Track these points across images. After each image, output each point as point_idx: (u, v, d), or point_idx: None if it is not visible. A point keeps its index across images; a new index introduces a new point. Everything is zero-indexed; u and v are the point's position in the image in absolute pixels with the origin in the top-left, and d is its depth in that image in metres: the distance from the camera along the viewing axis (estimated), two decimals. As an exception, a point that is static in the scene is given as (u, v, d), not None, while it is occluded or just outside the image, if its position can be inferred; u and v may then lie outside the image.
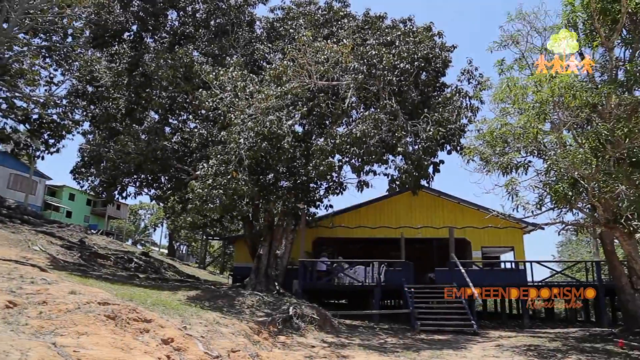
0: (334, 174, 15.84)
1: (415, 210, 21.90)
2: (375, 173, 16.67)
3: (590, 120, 11.53)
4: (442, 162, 15.79)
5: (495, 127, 11.73)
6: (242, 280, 19.14)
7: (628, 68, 11.08)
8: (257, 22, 19.57)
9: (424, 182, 15.83)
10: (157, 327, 7.12)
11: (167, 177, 19.40)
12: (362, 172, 15.19)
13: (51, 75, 21.46)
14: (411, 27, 17.13)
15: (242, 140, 12.44)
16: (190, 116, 19.54)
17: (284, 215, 17.32)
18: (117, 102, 18.30)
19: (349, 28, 16.53)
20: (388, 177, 16.11)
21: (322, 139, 14.50)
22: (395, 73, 14.69)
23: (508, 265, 22.15)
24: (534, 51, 12.99)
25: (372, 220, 22.08)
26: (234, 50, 17.46)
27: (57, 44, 20.31)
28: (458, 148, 15.18)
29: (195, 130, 17.16)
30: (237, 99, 13.23)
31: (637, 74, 10.95)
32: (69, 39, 20.60)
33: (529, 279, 18.20)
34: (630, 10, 10.90)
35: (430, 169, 15.39)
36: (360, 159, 14.34)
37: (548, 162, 11.56)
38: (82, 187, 20.20)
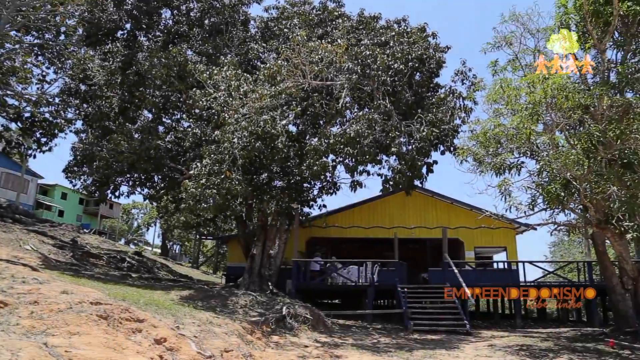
0: (328, 174, 15.85)
1: (409, 210, 21.98)
2: (368, 173, 16.71)
3: (582, 121, 11.62)
4: (435, 162, 15.85)
5: (488, 128, 11.79)
6: (235, 280, 19.12)
7: (620, 70, 11.17)
8: (252, 22, 19.53)
9: (417, 183, 15.86)
10: (149, 327, 7.09)
11: (160, 177, 19.34)
12: (355, 172, 15.20)
13: (43, 73, 21.29)
14: (405, 27, 17.17)
15: (235, 140, 12.42)
16: (184, 115, 19.48)
17: (277, 215, 17.31)
18: (111, 100, 18.21)
19: (344, 28, 16.53)
20: (382, 177, 16.18)
21: (316, 139, 14.50)
22: (390, 73, 14.72)
23: (501, 266, 22.28)
24: (527, 52, 13.08)
25: (365, 221, 22.13)
26: (228, 49, 17.41)
27: (50, 42, 20.16)
28: (451, 149, 15.25)
29: (189, 129, 17.10)
30: (231, 99, 13.20)
31: (629, 76, 11.05)
32: (62, 37, 20.46)
33: (522, 279, 18.34)
34: (622, 13, 10.98)
35: (424, 170, 15.44)
36: (354, 159, 14.35)
37: (541, 163, 11.63)
38: (74, 186, 20.10)
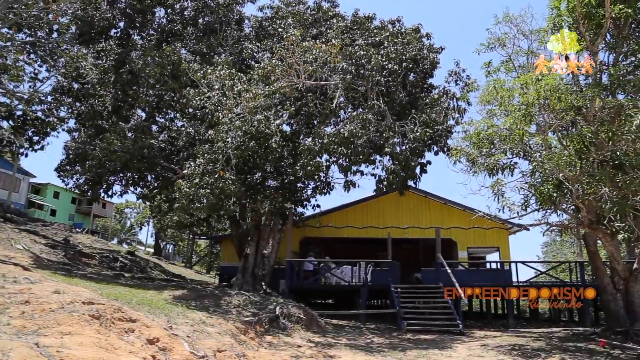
0: (322, 174, 15.84)
1: (402, 210, 22.03)
2: (362, 173, 16.74)
3: (574, 122, 11.69)
4: (429, 162, 15.88)
5: (481, 129, 11.84)
6: (228, 279, 19.07)
7: (612, 72, 11.25)
8: (246, 21, 19.51)
9: (411, 183, 15.90)
10: (142, 326, 7.06)
11: (153, 176, 19.27)
12: (349, 172, 15.20)
13: (36, 72, 21.13)
14: (400, 28, 17.22)
15: (229, 140, 12.39)
16: (178, 114, 19.40)
17: (271, 215, 17.29)
18: (104, 99, 18.11)
19: (338, 28, 16.55)
20: (375, 178, 16.20)
21: (310, 139, 14.50)
22: (384, 74, 14.75)
23: (494, 266, 22.38)
24: (521, 54, 13.13)
25: (359, 220, 22.16)
26: (222, 48, 17.38)
27: (42, 40, 20.01)
28: (445, 149, 15.31)
29: (183, 128, 17.04)
30: (225, 98, 13.17)
31: (621, 78, 11.13)
32: (55, 35, 20.32)
33: (514, 279, 18.43)
34: (614, 15, 11.06)
35: (418, 170, 15.46)
36: (347, 159, 14.36)
37: (533, 164, 11.71)
38: (67, 185, 20.00)
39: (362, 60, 14.53)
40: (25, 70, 20.97)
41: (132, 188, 20.23)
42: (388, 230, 20.59)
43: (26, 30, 19.83)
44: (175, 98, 17.86)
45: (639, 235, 11.78)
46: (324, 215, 21.08)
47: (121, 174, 18.96)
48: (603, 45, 12.22)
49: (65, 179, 19.50)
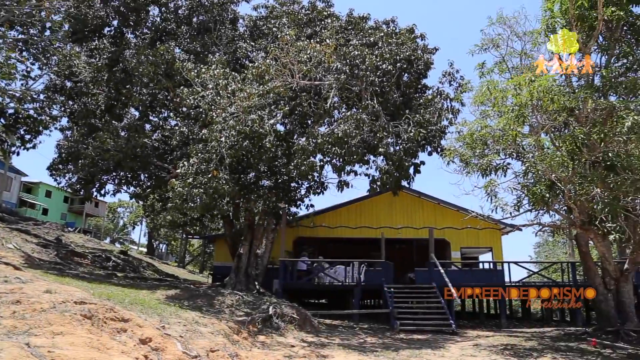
0: (315, 174, 15.84)
1: (396, 210, 22.08)
2: (356, 173, 16.74)
3: (567, 123, 11.77)
4: (422, 163, 15.94)
5: (475, 129, 11.88)
6: (222, 279, 19.02)
7: (604, 74, 11.34)
8: (240, 20, 19.46)
9: (404, 183, 15.94)
10: (134, 326, 7.02)
11: (146, 175, 19.19)
12: (343, 172, 15.23)
13: (28, 69, 20.85)
14: (394, 28, 17.26)
15: (223, 139, 12.36)
16: (171, 114, 19.34)
17: (264, 215, 17.27)
18: (97, 98, 18.01)
19: (332, 28, 16.56)
20: (369, 178, 16.19)
21: (303, 139, 14.49)
22: (378, 74, 14.77)
23: (486, 266, 22.48)
24: (514, 55, 13.20)
25: (352, 220, 22.19)
26: (217, 48, 17.33)
27: (35, 38, 19.83)
28: (438, 149, 15.37)
29: (176, 128, 17.01)
30: (218, 97, 13.14)
31: (613, 80, 11.22)
32: (47, 33, 20.15)
33: (507, 279, 18.52)
34: (606, 17, 11.14)
35: (411, 170, 15.50)
36: (341, 159, 14.37)
37: (526, 165, 11.77)
38: (59, 184, 19.87)
39: (357, 61, 14.54)
40: (18, 68, 20.74)
41: (125, 187, 20.14)
42: (381, 230, 20.63)
43: (18, 28, 19.62)
44: (168, 97, 17.80)
45: (630, 236, 11.90)
46: (317, 215, 21.07)
47: (114, 173, 18.86)
48: (595, 47, 12.31)
49: (58, 178, 19.38)
